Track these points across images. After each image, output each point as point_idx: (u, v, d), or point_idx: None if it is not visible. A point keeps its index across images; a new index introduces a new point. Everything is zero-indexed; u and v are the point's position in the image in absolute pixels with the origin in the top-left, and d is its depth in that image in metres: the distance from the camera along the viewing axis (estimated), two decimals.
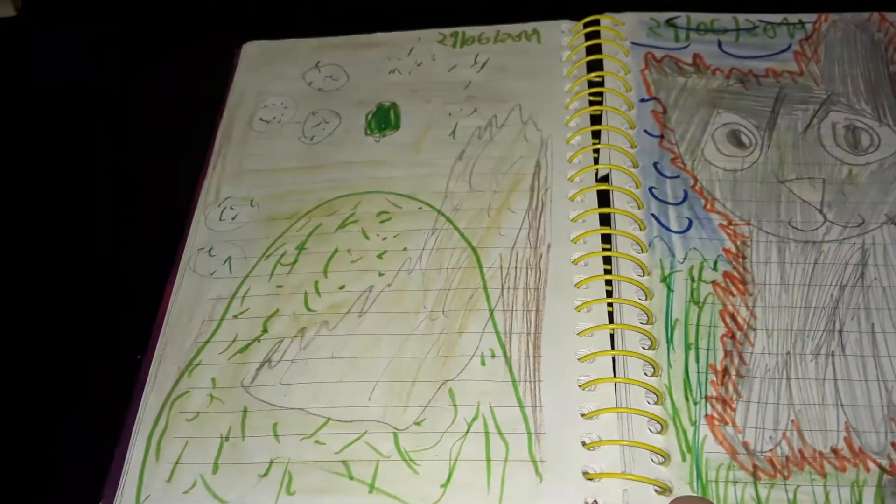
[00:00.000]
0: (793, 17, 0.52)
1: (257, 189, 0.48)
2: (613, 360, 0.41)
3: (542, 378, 0.40)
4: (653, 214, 0.45)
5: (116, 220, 0.49)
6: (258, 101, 0.53)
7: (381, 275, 0.44)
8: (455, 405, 0.40)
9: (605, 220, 0.45)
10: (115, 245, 0.48)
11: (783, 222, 0.44)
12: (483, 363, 0.41)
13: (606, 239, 0.44)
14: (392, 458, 0.38)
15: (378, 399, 0.40)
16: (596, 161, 0.47)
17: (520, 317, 0.42)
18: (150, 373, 0.42)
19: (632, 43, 0.52)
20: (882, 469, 0.37)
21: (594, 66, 0.51)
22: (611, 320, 0.42)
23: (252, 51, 0.56)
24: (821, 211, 0.44)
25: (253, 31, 0.57)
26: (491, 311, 0.42)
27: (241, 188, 0.48)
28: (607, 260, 0.44)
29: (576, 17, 0.54)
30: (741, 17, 0.52)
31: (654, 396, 0.39)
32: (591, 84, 0.50)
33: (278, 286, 0.44)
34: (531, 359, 0.40)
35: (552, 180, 0.46)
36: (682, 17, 0.52)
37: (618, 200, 0.45)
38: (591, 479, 0.37)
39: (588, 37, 0.52)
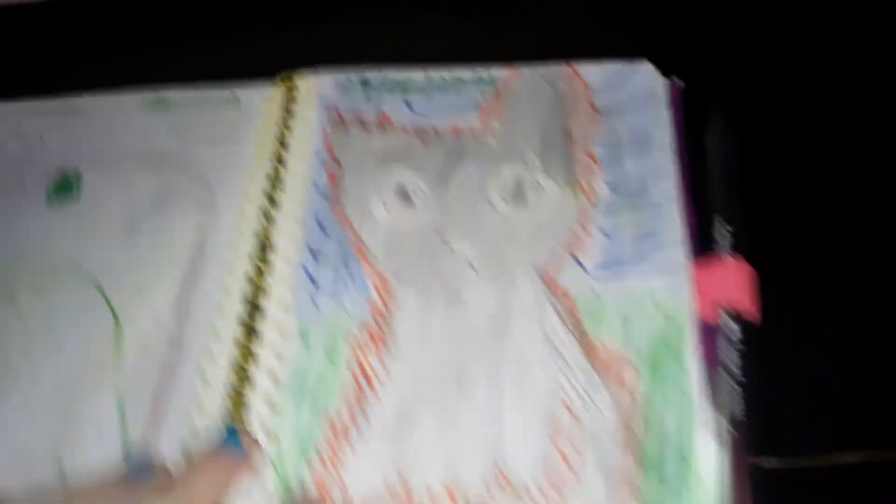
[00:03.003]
0: (484, 72, 0.53)
1: None
2: None
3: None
4: (306, 270, 0.45)
5: None
6: None
7: (22, 352, 0.45)
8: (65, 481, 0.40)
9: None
10: None
11: (434, 279, 0.45)
12: (100, 439, 0.42)
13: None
14: None
15: None
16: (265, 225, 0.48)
17: (148, 392, 0.43)
18: None
19: (322, 101, 0.52)
20: None
21: (287, 127, 0.52)
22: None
23: None
24: (472, 266, 0.45)
25: None
26: (120, 386, 0.42)
27: None
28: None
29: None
30: (435, 73, 0.53)
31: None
32: (279, 144, 0.51)
33: None
34: (147, 435, 0.42)
35: (213, 248, 0.46)
36: (375, 76, 0.53)
37: (274, 263, 0.45)
38: None
39: (288, 97, 0.53)
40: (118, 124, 0.54)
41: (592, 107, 0.51)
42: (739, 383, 0.40)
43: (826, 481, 0.40)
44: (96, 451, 0.40)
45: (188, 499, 0.35)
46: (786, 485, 0.39)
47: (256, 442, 0.39)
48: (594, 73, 0.52)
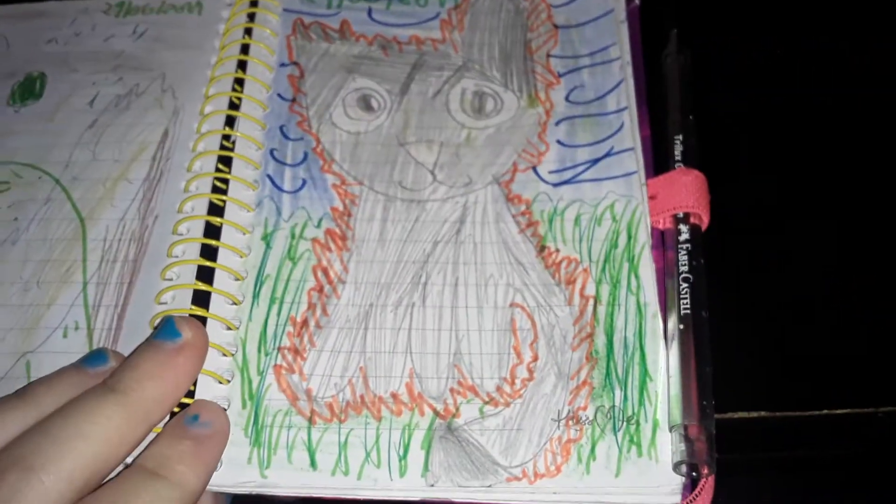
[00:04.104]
0: None
1: None
2: None
3: (118, 350, 0.40)
4: (268, 175, 0.46)
5: None
6: None
7: None
8: (29, 377, 0.40)
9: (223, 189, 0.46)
10: None
11: (394, 182, 0.46)
12: (65, 335, 0.41)
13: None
14: None
15: None
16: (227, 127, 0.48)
17: (112, 290, 0.43)
18: None
19: (284, 9, 0.52)
20: (435, 412, 0.39)
21: (250, 33, 0.52)
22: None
23: None
24: (432, 172, 0.46)
25: None
26: (84, 284, 0.43)
27: None
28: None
29: None
30: None
31: (229, 352, 0.41)
32: (241, 51, 0.51)
33: None
34: (111, 331, 0.41)
35: (174, 149, 0.46)
36: None
37: (235, 165, 0.46)
38: None
39: (251, 5, 0.53)
40: (82, 27, 0.53)
41: (552, 21, 0.52)
42: (689, 284, 0.41)
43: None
44: (61, 348, 0.41)
45: (132, 402, 0.34)
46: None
47: (201, 329, 0.39)
48: None
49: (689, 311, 0.41)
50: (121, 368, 0.35)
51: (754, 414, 0.41)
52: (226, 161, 0.46)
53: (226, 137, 0.47)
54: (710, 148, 0.47)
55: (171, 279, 0.42)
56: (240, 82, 0.49)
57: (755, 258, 0.46)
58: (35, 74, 0.51)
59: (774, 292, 0.45)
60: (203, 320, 0.41)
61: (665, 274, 0.43)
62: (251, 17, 0.52)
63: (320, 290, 0.42)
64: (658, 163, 0.47)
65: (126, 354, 0.38)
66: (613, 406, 0.39)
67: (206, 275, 0.42)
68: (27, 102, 0.50)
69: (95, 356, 0.37)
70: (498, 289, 0.42)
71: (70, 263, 0.44)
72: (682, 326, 0.40)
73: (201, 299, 0.42)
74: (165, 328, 0.37)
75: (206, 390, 0.39)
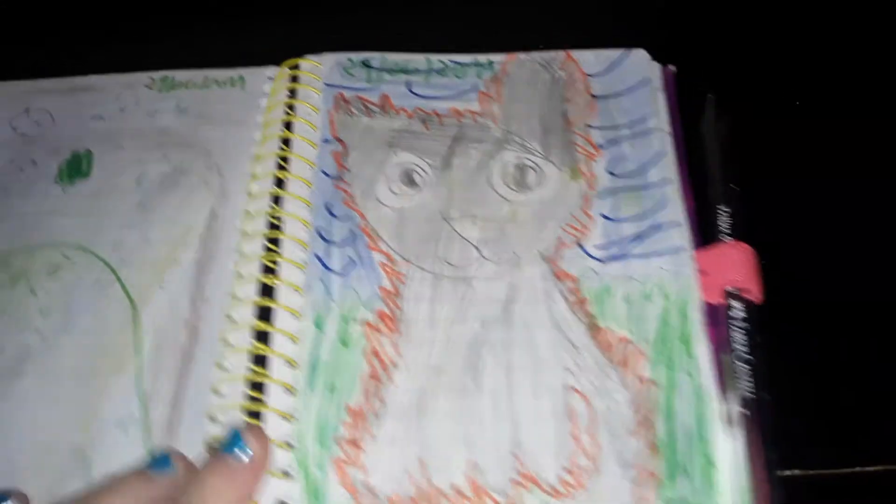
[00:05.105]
0: (483, 58, 0.54)
1: None
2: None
3: (177, 445, 0.41)
4: (316, 255, 0.46)
5: None
6: None
7: (38, 333, 0.44)
8: (88, 474, 0.40)
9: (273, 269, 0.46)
10: None
11: (440, 259, 0.46)
12: (121, 428, 0.42)
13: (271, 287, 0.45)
14: None
15: (14, 467, 0.41)
16: (273, 208, 0.48)
17: (166, 379, 0.43)
18: None
19: (325, 84, 0.53)
20: None
21: (292, 108, 0.52)
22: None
23: None
24: (477, 248, 0.46)
25: None
26: (138, 373, 0.43)
27: None
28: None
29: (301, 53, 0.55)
30: (434, 57, 0.54)
31: (290, 445, 0.41)
32: (285, 127, 0.51)
33: None
34: (169, 423, 0.42)
35: (223, 230, 0.47)
36: (377, 58, 0.54)
37: (284, 246, 0.46)
38: None
39: (292, 80, 0.54)
40: (127, 102, 0.54)
41: (589, 92, 0.52)
42: (748, 364, 0.41)
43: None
44: (119, 441, 0.41)
45: None
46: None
47: (267, 441, 0.39)
48: (590, 59, 0.54)
49: (751, 395, 0.40)
50: (190, 488, 0.36)
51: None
52: (274, 241, 0.46)
53: (273, 217, 0.47)
54: (755, 216, 0.46)
55: (225, 367, 0.42)
56: (284, 159, 0.49)
57: (810, 331, 0.45)
58: (82, 152, 0.51)
59: (831, 365, 0.44)
60: (259, 414, 0.41)
61: (720, 351, 0.43)
62: (293, 92, 0.52)
63: (374, 376, 0.42)
64: (703, 233, 0.47)
65: (186, 448, 0.39)
66: (679, 497, 0.38)
67: (260, 362, 0.42)
68: (75, 181, 0.50)
69: (160, 461, 0.37)
70: (552, 372, 0.42)
71: (123, 351, 0.44)
72: (743, 410, 0.40)
73: (257, 389, 0.42)
74: (233, 442, 0.37)
75: (270, 489, 0.39)
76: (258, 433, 0.37)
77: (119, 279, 0.45)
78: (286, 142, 0.50)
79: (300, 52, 0.55)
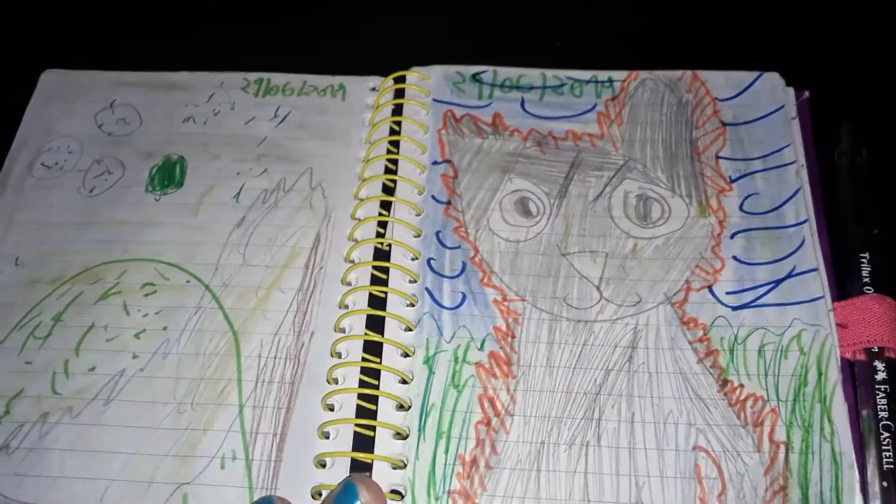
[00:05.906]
0: (602, 75, 0.51)
1: (25, 246, 0.46)
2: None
3: (279, 486, 0.38)
4: (427, 289, 0.43)
5: None
6: (42, 143, 0.50)
7: (135, 357, 0.42)
8: None
9: (380, 300, 0.43)
10: None
11: (558, 299, 0.43)
12: (223, 466, 0.39)
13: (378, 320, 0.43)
14: None
15: (110, 501, 0.38)
16: (380, 234, 0.45)
17: (269, 415, 0.40)
18: None
19: (434, 100, 0.50)
20: None
21: (398, 125, 0.49)
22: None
23: (49, 81, 0.52)
24: (598, 287, 0.43)
25: (55, 56, 0.53)
26: (241, 407, 0.40)
27: (6, 244, 0.46)
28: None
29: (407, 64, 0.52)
30: (550, 73, 0.51)
31: (399, 494, 0.38)
32: (391, 146, 0.48)
33: (27, 362, 0.42)
34: (271, 462, 0.39)
35: (328, 257, 0.44)
36: (488, 72, 0.51)
37: (393, 277, 0.43)
38: None
39: (396, 93, 0.50)
40: (221, 105, 0.51)
41: (718, 118, 0.48)
42: (889, 431, 0.38)
43: None
44: (219, 479, 0.39)
45: None
46: None
47: (384, 499, 0.36)
48: (719, 82, 0.50)
49: (891, 466, 0.37)
50: None
51: None
52: (383, 270, 0.43)
53: (380, 244, 0.44)
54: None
55: (331, 407, 0.39)
56: (391, 181, 0.46)
57: None
58: (174, 158, 0.49)
59: None
60: (369, 466, 0.39)
61: (858, 413, 0.39)
62: (398, 107, 0.49)
63: (488, 423, 0.40)
64: (840, 281, 0.43)
65: (289, 493, 0.37)
66: None
67: (369, 401, 0.40)
68: (168, 190, 0.47)
69: None
70: (678, 428, 0.39)
71: (225, 383, 0.41)
72: (885, 484, 0.37)
73: (367, 429, 0.40)
74: (346, 496, 0.34)
75: None
76: (374, 489, 0.35)
77: (220, 304, 0.43)
78: (393, 161, 0.47)
79: (406, 64, 0.51)
